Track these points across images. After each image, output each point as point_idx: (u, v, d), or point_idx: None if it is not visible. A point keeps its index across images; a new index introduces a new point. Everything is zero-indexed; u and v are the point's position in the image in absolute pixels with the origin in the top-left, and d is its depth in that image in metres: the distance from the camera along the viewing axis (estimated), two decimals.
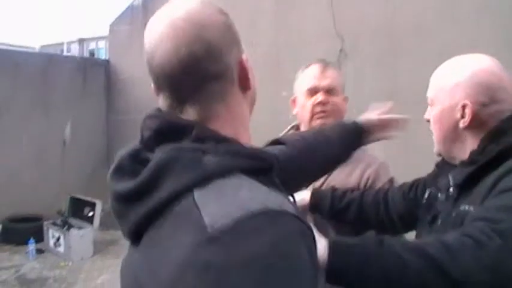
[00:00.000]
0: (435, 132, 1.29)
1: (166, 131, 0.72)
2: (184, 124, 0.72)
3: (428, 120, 1.31)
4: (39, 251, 5.21)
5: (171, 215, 0.64)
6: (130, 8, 6.68)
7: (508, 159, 1.12)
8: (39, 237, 5.33)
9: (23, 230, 5.43)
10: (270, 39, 4.84)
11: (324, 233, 1.01)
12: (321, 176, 1.48)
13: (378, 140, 1.42)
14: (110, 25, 7.06)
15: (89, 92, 6.77)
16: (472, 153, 1.19)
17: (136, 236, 0.70)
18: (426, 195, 1.38)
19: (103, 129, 6.92)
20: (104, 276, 4.56)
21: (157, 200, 0.65)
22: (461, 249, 0.97)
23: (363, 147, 1.48)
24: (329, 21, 4.61)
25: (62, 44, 29.53)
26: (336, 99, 1.64)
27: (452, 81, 1.23)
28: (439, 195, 1.30)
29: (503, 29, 3.82)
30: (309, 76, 1.65)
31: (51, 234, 5.28)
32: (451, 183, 1.23)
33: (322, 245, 0.96)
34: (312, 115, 1.63)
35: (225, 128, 0.74)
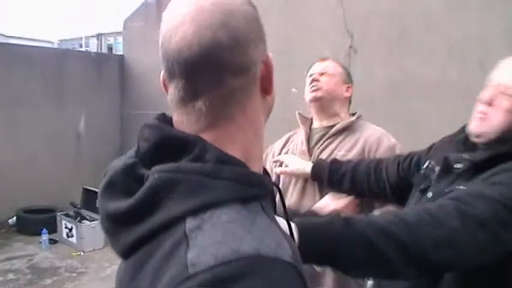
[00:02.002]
0: (497, 120, 1.25)
1: (166, 145, 0.64)
2: (187, 139, 0.64)
3: (488, 103, 1.28)
4: (52, 241, 5.34)
5: (160, 243, 0.59)
6: (145, 5, 6.76)
7: None
8: (53, 228, 5.45)
9: (37, 221, 5.57)
10: (280, 36, 4.86)
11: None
12: None
13: None
14: (124, 21, 7.15)
15: (104, 87, 6.88)
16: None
17: (127, 255, 0.65)
18: (425, 165, 1.42)
19: (117, 122, 7.02)
20: (114, 266, 4.61)
21: (149, 226, 0.60)
22: (419, 226, 1.02)
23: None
24: (339, 17, 4.62)
25: (81, 38, 29.84)
26: (327, 79, 1.88)
27: None
28: (436, 168, 1.34)
29: None
30: (311, 69, 1.95)
31: (64, 225, 5.40)
32: (466, 161, 1.24)
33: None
34: (308, 91, 1.90)
35: (236, 135, 0.67)
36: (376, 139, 1.80)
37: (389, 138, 1.82)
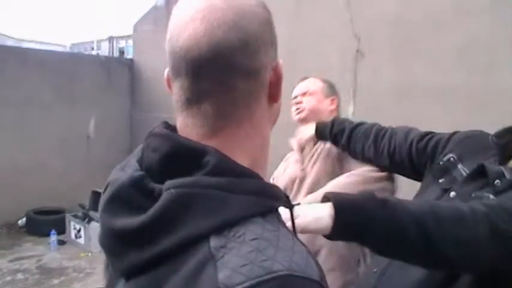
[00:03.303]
0: None
1: (177, 156, 0.60)
2: (200, 150, 0.59)
3: None
4: (61, 242, 5.41)
5: (181, 263, 0.55)
6: (154, 9, 6.84)
7: None
8: (61, 229, 5.52)
9: (46, 222, 5.66)
10: (288, 40, 4.89)
11: None
12: None
13: None
14: (134, 25, 7.24)
15: (113, 90, 6.97)
16: None
17: (131, 276, 0.60)
18: (446, 158, 1.37)
19: (126, 125, 7.09)
20: None
21: (168, 245, 0.55)
22: (449, 223, 1.02)
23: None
24: (347, 21, 4.64)
25: (92, 42, 30.07)
26: (309, 98, 1.97)
27: None
28: (459, 166, 1.31)
29: None
30: (294, 91, 2.04)
31: (73, 226, 5.47)
32: (506, 176, 1.17)
33: (326, 207, 1.01)
34: (293, 113, 2.02)
35: (244, 142, 0.64)
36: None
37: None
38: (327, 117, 1.92)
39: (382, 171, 1.71)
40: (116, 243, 0.61)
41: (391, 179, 1.73)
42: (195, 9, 0.61)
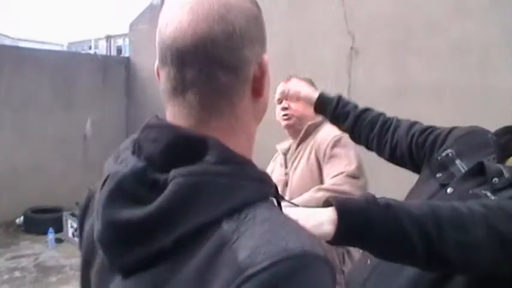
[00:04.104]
0: None
1: (180, 147, 0.62)
2: (202, 139, 0.61)
3: None
4: (59, 241, 5.43)
5: (196, 249, 0.56)
6: (150, 7, 6.86)
7: None
8: (59, 227, 5.55)
9: (44, 221, 5.68)
10: (282, 38, 4.91)
11: None
12: None
13: None
14: (130, 24, 7.25)
15: (110, 89, 7.00)
16: None
17: (130, 272, 0.61)
18: (444, 154, 1.38)
19: (123, 124, 7.11)
20: None
21: (182, 231, 0.57)
22: (449, 226, 1.02)
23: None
24: (341, 19, 4.65)
25: (90, 40, 30.03)
26: (297, 105, 2.04)
27: None
28: (457, 161, 1.32)
29: None
30: (278, 89, 1.93)
31: (70, 224, 5.49)
32: (505, 175, 1.18)
33: (328, 212, 0.98)
34: (280, 118, 2.12)
35: (229, 135, 0.65)
36: (324, 138, 2.01)
37: (335, 134, 1.97)
38: (312, 119, 2.07)
39: (355, 176, 1.86)
40: (118, 236, 0.60)
41: (360, 188, 1.87)
42: (183, 2, 0.63)
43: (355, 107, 1.69)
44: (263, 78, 0.67)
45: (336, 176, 1.88)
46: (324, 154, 1.98)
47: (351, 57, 4.63)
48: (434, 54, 4.03)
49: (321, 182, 1.96)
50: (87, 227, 0.76)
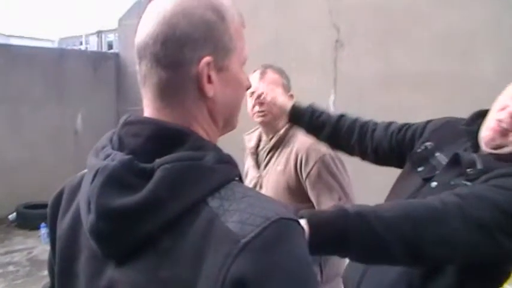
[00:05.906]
0: None
1: (160, 138, 0.69)
2: (179, 130, 0.70)
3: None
4: None
5: (187, 226, 0.63)
6: (138, 3, 6.87)
7: None
8: None
9: (36, 216, 5.67)
10: (268, 30, 4.92)
11: None
12: None
13: None
14: (119, 19, 7.26)
15: (100, 84, 7.02)
16: None
17: (124, 257, 0.66)
18: (423, 146, 1.41)
19: (113, 119, 7.13)
20: None
21: (174, 210, 0.64)
22: (423, 223, 1.06)
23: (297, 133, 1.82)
24: (325, 11, 4.67)
25: (81, 36, 29.86)
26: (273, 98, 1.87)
27: None
28: (437, 154, 1.35)
29: (506, 14, 3.71)
30: (252, 80, 1.84)
31: None
32: (477, 166, 1.23)
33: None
34: (253, 113, 1.95)
35: (184, 124, 0.72)
36: (305, 153, 1.87)
37: (318, 149, 1.86)
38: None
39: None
40: (114, 224, 0.65)
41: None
42: (154, 6, 0.73)
43: (329, 116, 1.67)
44: (203, 80, 0.71)
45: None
46: (308, 174, 1.86)
47: (337, 49, 4.67)
48: (420, 44, 4.07)
49: (297, 191, 1.89)
50: (63, 225, 0.81)
